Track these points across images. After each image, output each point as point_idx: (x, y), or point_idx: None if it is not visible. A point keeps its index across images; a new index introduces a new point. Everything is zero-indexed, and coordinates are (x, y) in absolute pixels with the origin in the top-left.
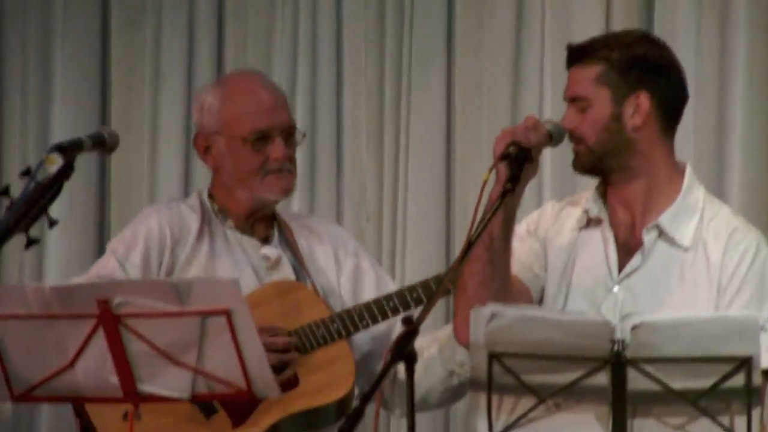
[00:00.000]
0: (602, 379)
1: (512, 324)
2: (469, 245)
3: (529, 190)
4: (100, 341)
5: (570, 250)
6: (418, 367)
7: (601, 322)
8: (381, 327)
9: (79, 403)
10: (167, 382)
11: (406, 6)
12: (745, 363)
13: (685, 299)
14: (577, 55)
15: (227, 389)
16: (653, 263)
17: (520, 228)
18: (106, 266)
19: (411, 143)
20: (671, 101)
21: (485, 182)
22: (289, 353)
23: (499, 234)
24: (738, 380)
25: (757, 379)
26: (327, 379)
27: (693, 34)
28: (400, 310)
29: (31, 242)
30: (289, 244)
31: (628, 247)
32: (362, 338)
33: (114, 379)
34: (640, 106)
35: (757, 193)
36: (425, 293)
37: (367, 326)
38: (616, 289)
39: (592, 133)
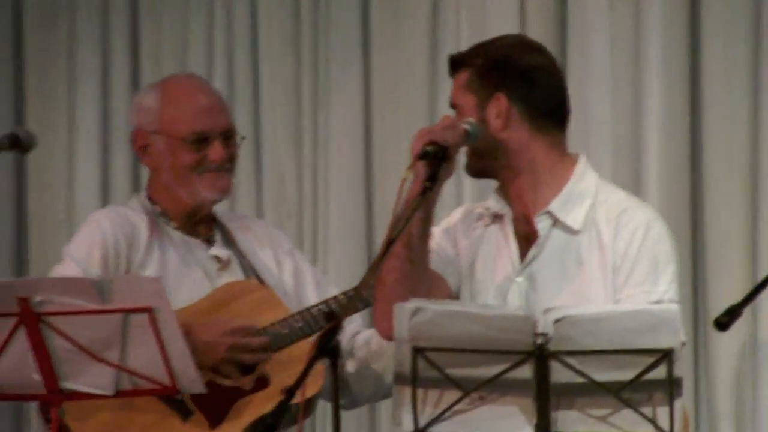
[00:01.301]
0: (526, 372)
1: (435, 318)
2: (390, 243)
3: (448, 188)
4: (21, 339)
5: (475, 246)
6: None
7: (523, 316)
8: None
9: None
10: (90, 379)
11: (321, 5)
12: (667, 355)
13: (582, 282)
14: (453, 64)
15: (151, 385)
16: (550, 250)
17: (436, 228)
18: (69, 271)
19: (329, 141)
20: (538, 101)
21: (404, 181)
22: (264, 353)
23: (417, 231)
24: (660, 372)
25: (678, 370)
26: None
27: (607, 28)
28: (361, 308)
29: None
30: (232, 245)
31: (527, 238)
32: None
33: (37, 377)
34: (500, 108)
35: (674, 184)
36: None
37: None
38: (519, 279)
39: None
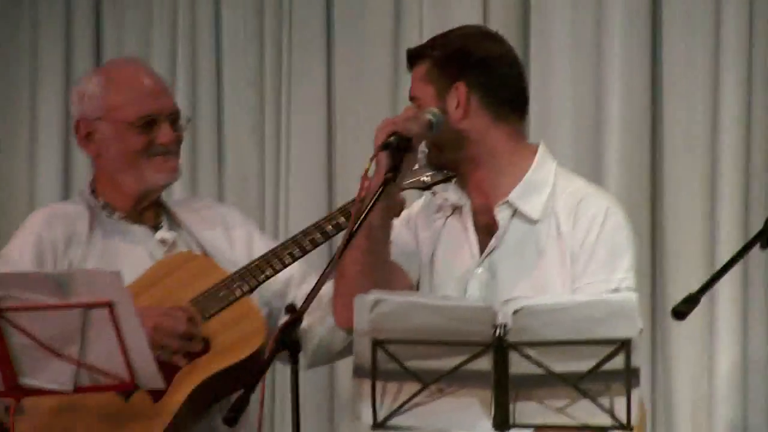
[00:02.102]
0: (485, 363)
1: (395, 310)
2: (351, 234)
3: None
4: None
5: (434, 238)
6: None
7: (483, 307)
8: (279, 283)
9: None
10: (50, 375)
11: None
12: (624, 345)
13: (542, 272)
14: (411, 57)
15: (111, 381)
16: (509, 240)
17: (398, 219)
18: None
19: (292, 132)
20: (497, 90)
21: (366, 171)
22: (192, 328)
23: (378, 223)
24: (617, 362)
25: (636, 360)
26: (237, 336)
27: (569, 16)
28: (297, 255)
29: None
30: (179, 227)
31: (488, 230)
32: (262, 299)
33: None
34: (459, 98)
35: (634, 173)
36: (321, 235)
37: (267, 278)
38: (479, 270)
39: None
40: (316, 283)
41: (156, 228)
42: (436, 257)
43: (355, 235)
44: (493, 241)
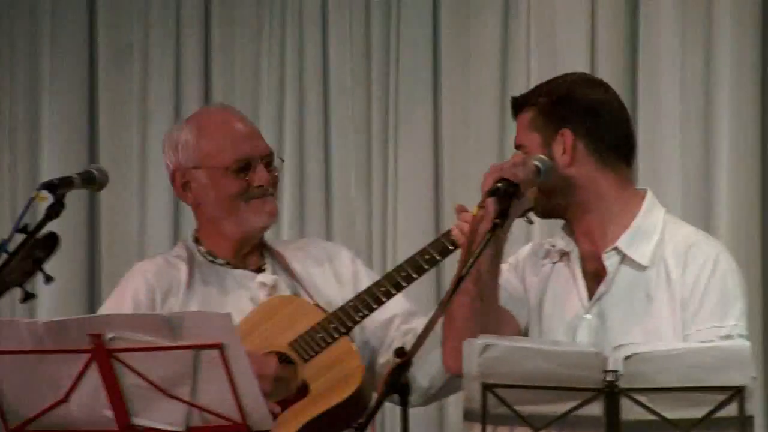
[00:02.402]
0: (596, 409)
1: (505, 355)
2: (459, 279)
3: (518, 226)
4: (93, 375)
5: (543, 284)
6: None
7: (593, 353)
8: (379, 322)
9: None
10: (161, 415)
11: (392, 42)
12: (738, 392)
13: (652, 318)
14: (516, 105)
15: (222, 422)
16: (618, 287)
17: (505, 264)
18: None
19: (399, 178)
20: (603, 136)
21: (475, 217)
22: (283, 372)
23: (487, 268)
24: (731, 409)
25: (750, 408)
26: (335, 379)
27: (678, 63)
28: (392, 291)
29: (27, 297)
30: (284, 269)
31: (596, 276)
32: (361, 338)
33: (108, 413)
34: (565, 144)
35: (745, 220)
36: (414, 270)
37: (363, 317)
38: (588, 316)
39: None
40: (425, 328)
41: (259, 271)
42: (545, 303)
43: (463, 281)
44: (602, 287)
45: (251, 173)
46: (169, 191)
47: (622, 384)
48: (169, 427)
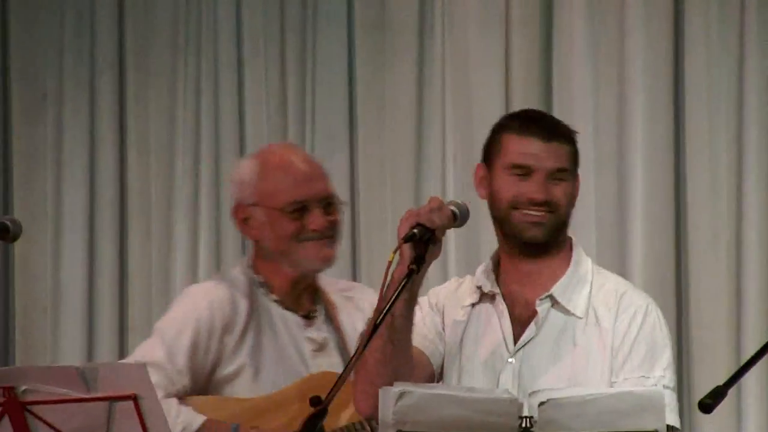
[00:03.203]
0: None
1: (420, 402)
2: (376, 325)
3: (434, 268)
4: (6, 428)
5: (463, 326)
6: None
7: (508, 399)
8: None
9: None
10: None
11: (308, 90)
12: None
13: (579, 365)
14: (553, 130)
15: None
16: (547, 332)
17: (422, 300)
18: (153, 353)
19: None
20: None
21: (390, 263)
22: None
23: (401, 313)
24: None
25: None
26: None
27: (592, 104)
28: None
29: None
30: (332, 322)
31: (522, 319)
32: None
33: None
34: (577, 189)
35: (659, 264)
36: None
37: None
38: (512, 360)
39: (564, 204)
40: (341, 374)
41: (308, 317)
42: (465, 344)
43: (378, 327)
44: (529, 332)
45: (308, 215)
46: (82, 242)
47: (537, 430)
48: None
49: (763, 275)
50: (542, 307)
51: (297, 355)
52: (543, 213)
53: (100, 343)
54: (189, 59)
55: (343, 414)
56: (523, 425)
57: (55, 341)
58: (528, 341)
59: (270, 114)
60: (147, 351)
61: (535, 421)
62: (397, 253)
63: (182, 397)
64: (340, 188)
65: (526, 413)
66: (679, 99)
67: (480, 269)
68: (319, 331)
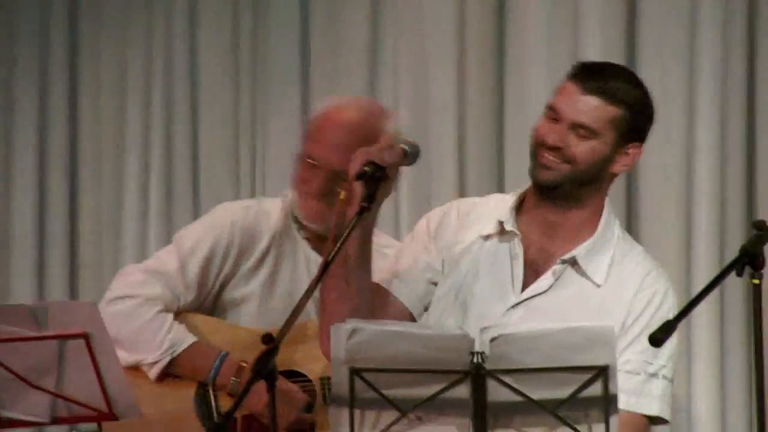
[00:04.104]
0: (463, 391)
1: (372, 339)
2: (326, 265)
3: (385, 207)
4: None
5: (472, 257)
6: None
7: (460, 335)
8: None
9: None
10: (27, 407)
11: (260, 24)
12: (602, 371)
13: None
14: (599, 84)
15: (88, 412)
16: (561, 290)
17: (420, 226)
18: (167, 265)
19: (267, 169)
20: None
21: (342, 201)
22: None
23: (354, 252)
24: (596, 389)
25: (613, 387)
26: None
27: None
28: None
29: None
30: None
31: (536, 268)
32: None
33: None
34: (629, 156)
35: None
36: None
37: None
38: (517, 306)
39: (584, 161)
40: (291, 314)
41: None
42: (467, 278)
43: (329, 266)
44: (542, 284)
45: (316, 175)
46: (33, 179)
47: (488, 365)
48: (33, 419)
49: (713, 207)
50: (562, 265)
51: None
52: (556, 160)
53: (50, 281)
54: (138, 6)
55: (316, 366)
56: (475, 361)
57: (5, 280)
58: (538, 294)
59: (221, 54)
60: (162, 260)
61: (487, 357)
62: (348, 191)
63: (182, 312)
64: (291, 132)
65: (477, 349)
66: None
67: (507, 204)
68: None
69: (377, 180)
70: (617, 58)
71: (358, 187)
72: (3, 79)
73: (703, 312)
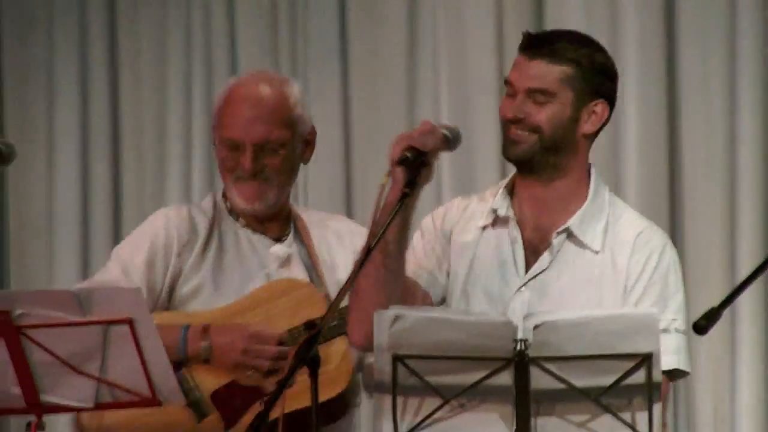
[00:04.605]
0: (506, 378)
1: (415, 326)
2: (368, 250)
3: (427, 193)
4: (1, 352)
5: (474, 248)
6: None
7: (503, 322)
8: None
9: None
10: (70, 392)
11: (299, 15)
12: (646, 359)
13: (591, 300)
14: (544, 48)
15: (131, 397)
16: (561, 264)
17: (426, 222)
18: (108, 273)
19: None
20: (612, 109)
21: (382, 187)
22: (282, 360)
23: (394, 237)
24: (639, 376)
25: (657, 375)
26: (323, 378)
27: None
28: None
29: None
30: (303, 242)
31: (535, 247)
32: None
33: (16, 390)
34: (597, 114)
35: (653, 192)
36: None
37: None
38: (523, 289)
39: (548, 127)
40: (335, 300)
41: (279, 240)
42: (473, 269)
43: (371, 252)
44: (543, 262)
45: (243, 156)
46: (76, 163)
47: (532, 353)
48: (77, 404)
49: (758, 196)
50: (558, 239)
51: (261, 270)
52: (524, 132)
53: (95, 265)
54: None
55: (282, 323)
56: (518, 348)
57: (50, 264)
58: (541, 272)
59: (261, 33)
60: (103, 272)
61: (530, 344)
62: (389, 177)
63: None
64: (332, 114)
65: (520, 336)
66: (671, 29)
67: (497, 190)
68: (285, 247)
69: (418, 165)
70: (655, 44)
71: (399, 173)
72: (44, 61)
73: (746, 302)
